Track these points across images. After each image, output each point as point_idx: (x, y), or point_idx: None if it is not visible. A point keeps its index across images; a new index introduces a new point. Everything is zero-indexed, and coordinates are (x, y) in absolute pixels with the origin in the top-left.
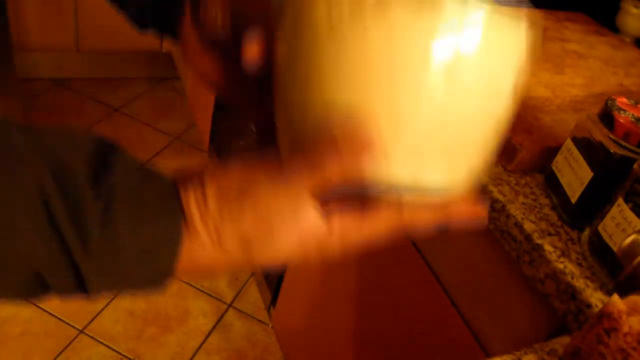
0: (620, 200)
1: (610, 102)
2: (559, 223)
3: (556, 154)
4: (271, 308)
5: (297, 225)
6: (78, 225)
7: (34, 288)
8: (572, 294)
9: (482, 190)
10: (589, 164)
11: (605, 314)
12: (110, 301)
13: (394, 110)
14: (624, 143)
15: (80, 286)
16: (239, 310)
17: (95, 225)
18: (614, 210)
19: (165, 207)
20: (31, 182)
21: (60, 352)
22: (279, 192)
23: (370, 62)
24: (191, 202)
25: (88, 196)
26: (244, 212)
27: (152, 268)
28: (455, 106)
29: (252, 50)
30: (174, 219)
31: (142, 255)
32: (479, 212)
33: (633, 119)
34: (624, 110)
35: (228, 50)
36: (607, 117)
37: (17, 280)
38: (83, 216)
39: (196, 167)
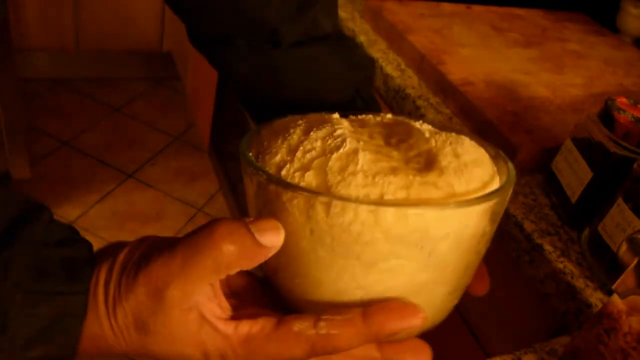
0: (620, 200)
1: (610, 102)
2: (558, 223)
3: (556, 154)
4: None
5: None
6: None
7: None
8: (572, 293)
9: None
10: (589, 164)
11: (605, 314)
12: None
13: None
14: (623, 143)
15: None
16: None
17: None
18: (613, 210)
19: (71, 278)
20: None
21: None
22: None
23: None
24: (101, 274)
25: None
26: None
27: (51, 347)
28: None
29: None
30: (78, 292)
31: (38, 334)
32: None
33: (633, 119)
34: (624, 110)
35: None
36: (607, 117)
37: None
38: None
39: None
